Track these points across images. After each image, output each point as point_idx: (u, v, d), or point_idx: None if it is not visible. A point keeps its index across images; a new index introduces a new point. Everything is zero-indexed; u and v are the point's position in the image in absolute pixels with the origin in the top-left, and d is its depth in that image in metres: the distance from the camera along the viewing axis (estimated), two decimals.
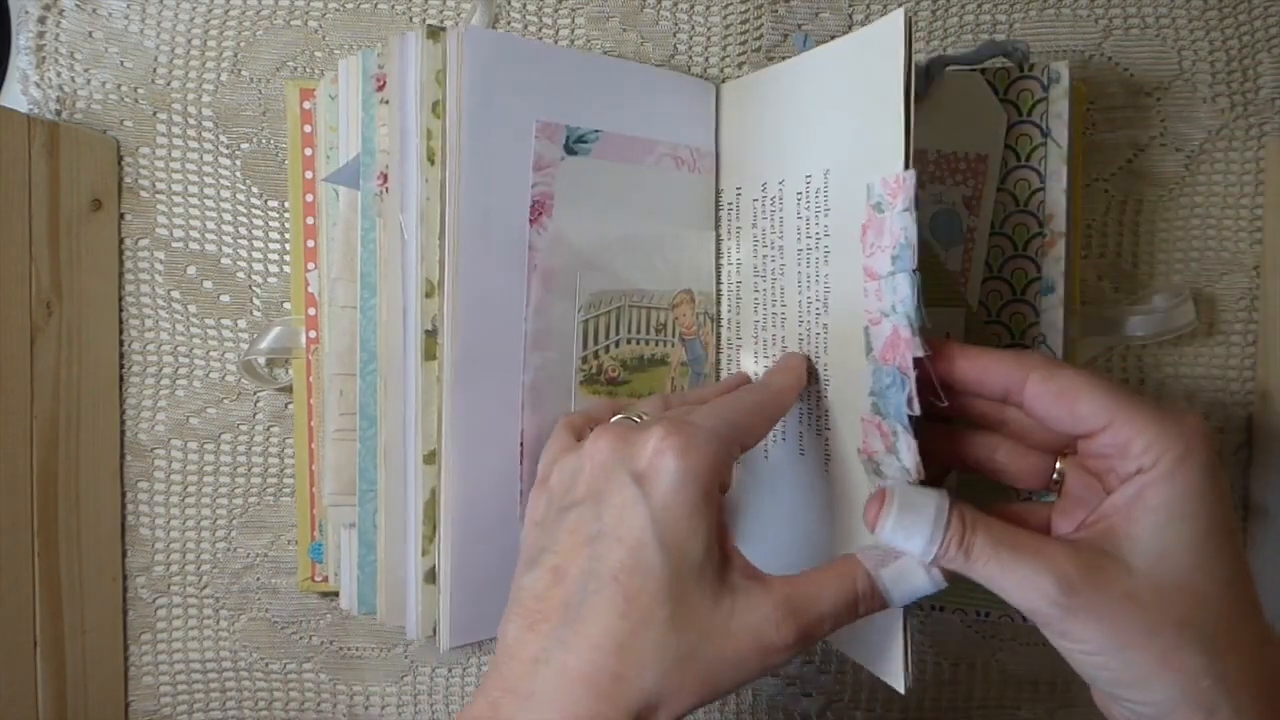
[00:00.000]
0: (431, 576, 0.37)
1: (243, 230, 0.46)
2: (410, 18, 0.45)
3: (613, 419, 0.34)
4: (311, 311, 0.43)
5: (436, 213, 0.36)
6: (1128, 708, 0.28)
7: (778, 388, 0.35)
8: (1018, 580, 0.27)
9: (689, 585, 0.28)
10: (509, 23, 0.46)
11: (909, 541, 0.29)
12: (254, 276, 0.46)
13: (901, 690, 0.32)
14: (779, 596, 0.28)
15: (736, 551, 0.30)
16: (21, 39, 0.45)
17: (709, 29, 0.46)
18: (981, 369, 0.31)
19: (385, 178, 0.38)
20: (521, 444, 0.38)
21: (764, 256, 0.39)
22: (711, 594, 0.28)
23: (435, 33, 0.35)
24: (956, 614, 0.44)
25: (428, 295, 0.36)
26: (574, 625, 0.28)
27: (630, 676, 0.27)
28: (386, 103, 0.38)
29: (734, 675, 0.28)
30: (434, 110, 0.36)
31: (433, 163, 0.36)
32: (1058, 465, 0.32)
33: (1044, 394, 0.29)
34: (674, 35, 0.46)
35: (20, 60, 0.45)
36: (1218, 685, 0.26)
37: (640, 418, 0.33)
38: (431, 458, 0.37)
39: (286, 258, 0.46)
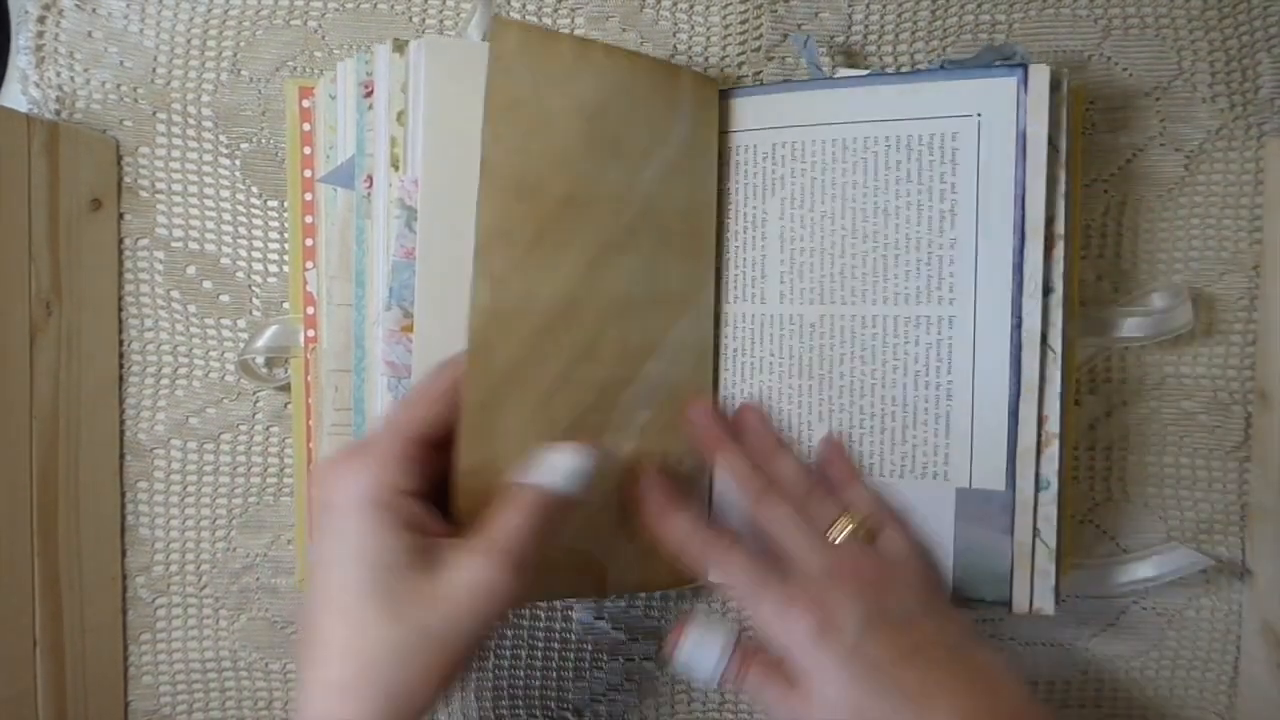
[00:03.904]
0: None
1: (242, 230, 0.46)
2: (410, 18, 0.45)
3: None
4: (310, 310, 0.43)
5: (393, 216, 0.38)
6: None
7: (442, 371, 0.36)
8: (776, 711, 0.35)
9: (391, 580, 0.31)
10: None
11: (700, 668, 0.36)
12: (253, 276, 0.46)
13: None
14: (478, 544, 0.32)
15: (440, 533, 0.33)
16: (21, 39, 0.45)
17: (709, 29, 0.46)
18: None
19: (371, 180, 0.39)
20: None
21: None
22: (417, 577, 0.31)
23: (400, 45, 0.38)
24: None
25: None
26: (312, 647, 0.31)
27: (371, 676, 0.30)
28: (373, 109, 0.39)
29: (470, 628, 0.31)
30: (398, 119, 0.38)
31: (396, 169, 0.38)
32: None
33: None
34: (674, 35, 0.46)
35: (20, 60, 0.45)
36: None
37: None
38: None
39: (286, 257, 0.46)
